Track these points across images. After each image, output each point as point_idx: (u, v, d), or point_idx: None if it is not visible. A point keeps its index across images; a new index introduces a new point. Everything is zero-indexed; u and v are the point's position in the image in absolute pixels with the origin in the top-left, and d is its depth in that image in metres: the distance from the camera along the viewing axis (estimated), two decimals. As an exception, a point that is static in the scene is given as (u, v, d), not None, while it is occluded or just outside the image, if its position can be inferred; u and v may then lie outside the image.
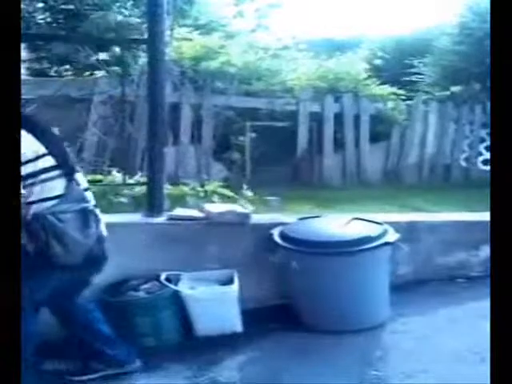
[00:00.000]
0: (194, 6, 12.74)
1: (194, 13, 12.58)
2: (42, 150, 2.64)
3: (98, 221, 2.78)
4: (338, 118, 10.66)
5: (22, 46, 11.54)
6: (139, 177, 5.14)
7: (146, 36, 4.05)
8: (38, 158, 2.61)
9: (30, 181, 2.57)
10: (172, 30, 9.94)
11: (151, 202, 4.09)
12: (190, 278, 3.74)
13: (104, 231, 2.89)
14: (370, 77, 11.38)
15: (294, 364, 3.28)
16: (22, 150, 2.51)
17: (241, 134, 10.14)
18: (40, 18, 12.23)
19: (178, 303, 3.56)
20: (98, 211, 2.85)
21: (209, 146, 9.80)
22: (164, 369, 3.27)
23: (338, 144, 10.70)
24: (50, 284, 2.73)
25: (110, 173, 6.12)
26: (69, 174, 2.70)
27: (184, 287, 3.62)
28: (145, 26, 10.75)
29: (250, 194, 5.43)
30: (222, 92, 9.76)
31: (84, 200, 2.74)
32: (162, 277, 3.62)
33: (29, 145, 2.59)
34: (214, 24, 12.93)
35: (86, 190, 2.84)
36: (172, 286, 3.57)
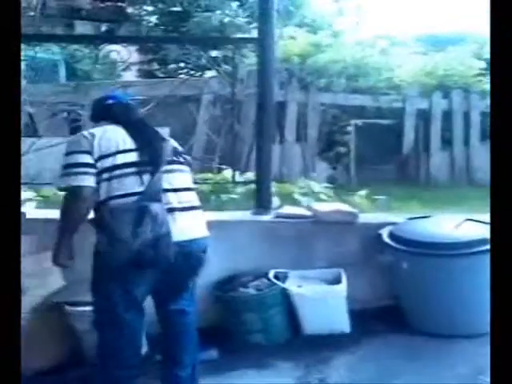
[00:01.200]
0: (299, 6, 12.78)
1: (299, 12, 12.61)
2: (127, 145, 2.69)
3: (164, 223, 2.60)
4: (447, 115, 10.33)
5: (133, 48, 12.06)
6: (248, 175, 5.22)
7: (254, 35, 4.11)
8: (118, 152, 2.64)
9: (105, 175, 2.61)
10: (280, 29, 10.05)
11: (259, 200, 4.14)
12: (298, 276, 3.74)
13: (171, 235, 2.63)
14: (481, 72, 10.92)
15: (402, 366, 3.23)
16: (107, 144, 2.65)
17: (346, 131, 10.06)
18: (150, 20, 12.72)
19: (286, 301, 3.59)
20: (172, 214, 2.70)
21: (314, 144, 9.80)
22: (272, 366, 3.31)
23: (446, 142, 10.36)
24: (128, 282, 2.68)
25: (219, 171, 6.28)
26: (150, 172, 2.66)
27: (292, 285, 3.63)
28: (251, 26, 10.95)
29: (356, 192, 5.39)
30: (328, 89, 9.72)
31: (155, 199, 2.63)
32: (271, 274, 3.66)
33: (115, 139, 2.68)
34: (319, 22, 12.90)
35: (166, 190, 2.71)
36: (280, 284, 3.59)
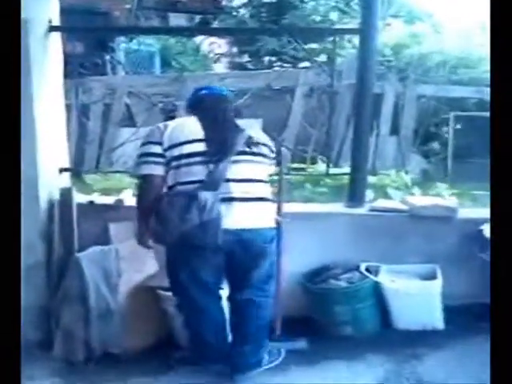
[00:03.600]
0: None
1: (398, 2, 12.31)
2: (197, 135, 2.84)
3: (213, 210, 2.69)
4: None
5: (225, 40, 12.20)
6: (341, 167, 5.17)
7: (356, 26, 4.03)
8: (186, 142, 2.81)
9: (174, 163, 2.81)
10: (383, 19, 9.86)
11: (353, 192, 4.07)
12: (390, 271, 3.68)
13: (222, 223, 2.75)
14: None
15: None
16: (177, 135, 2.83)
17: (445, 124, 9.72)
18: (244, 12, 12.81)
19: (379, 295, 3.55)
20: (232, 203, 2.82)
21: (410, 137, 9.53)
22: (362, 359, 3.27)
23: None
24: (192, 267, 2.88)
25: (313, 162, 6.25)
26: (214, 162, 2.79)
27: (384, 279, 3.58)
28: (348, 17, 10.79)
29: (453, 187, 5.20)
30: (427, 81, 9.43)
31: (212, 188, 2.74)
32: (362, 267, 3.60)
33: (187, 129, 2.87)
34: (418, 12, 12.53)
35: (228, 180, 2.80)
36: (373, 277, 3.54)
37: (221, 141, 2.85)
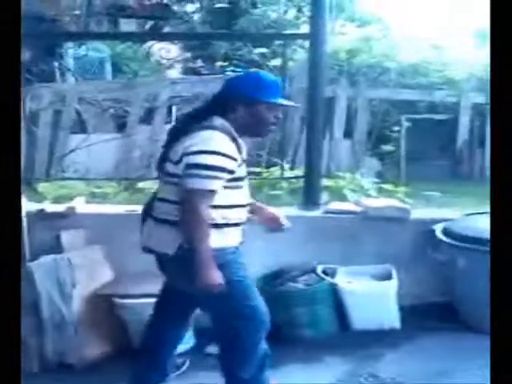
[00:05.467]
0: (352, 1, 12.65)
1: (350, 6, 12.48)
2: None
3: None
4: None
5: (178, 46, 12.13)
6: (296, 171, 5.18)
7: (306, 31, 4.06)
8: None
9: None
10: (332, 23, 9.94)
11: (308, 196, 4.10)
12: (347, 272, 3.70)
13: None
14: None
15: (452, 363, 3.16)
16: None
17: (397, 127, 9.87)
18: (196, 17, 12.78)
19: (336, 296, 3.55)
20: None
21: (363, 140, 9.65)
22: (320, 361, 3.28)
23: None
24: None
25: (268, 166, 6.25)
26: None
27: (341, 281, 3.59)
28: (300, 21, 10.87)
29: (406, 188, 5.27)
30: (379, 85, 9.56)
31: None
32: (319, 269, 3.61)
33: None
34: (369, 17, 12.73)
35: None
36: (329, 279, 3.56)
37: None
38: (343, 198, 4.61)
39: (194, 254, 2.32)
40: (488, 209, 3.99)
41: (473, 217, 3.86)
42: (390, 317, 3.59)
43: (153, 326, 2.81)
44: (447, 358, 3.22)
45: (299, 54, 8.96)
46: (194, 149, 2.34)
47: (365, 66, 9.60)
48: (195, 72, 11.70)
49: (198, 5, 12.85)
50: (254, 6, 12.00)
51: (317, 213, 3.98)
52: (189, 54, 12.39)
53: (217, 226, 2.42)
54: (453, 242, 3.53)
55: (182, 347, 3.35)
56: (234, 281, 2.46)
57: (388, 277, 3.62)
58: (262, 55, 9.23)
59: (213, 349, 3.38)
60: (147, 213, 2.62)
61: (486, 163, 9.97)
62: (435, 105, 9.88)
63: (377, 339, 3.45)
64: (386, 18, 12.96)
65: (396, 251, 3.76)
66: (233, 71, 9.52)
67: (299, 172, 5.09)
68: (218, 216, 2.42)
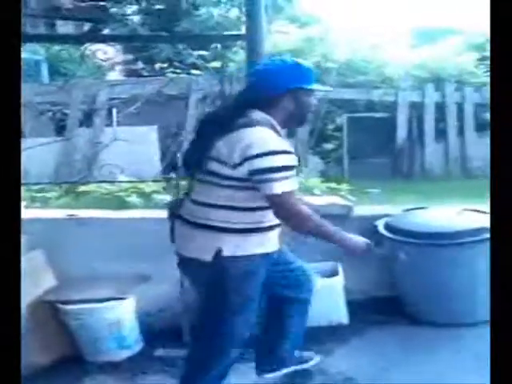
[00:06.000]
0: (290, 0, 12.72)
1: (289, 7, 12.56)
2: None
3: None
4: (440, 108, 10.28)
5: (118, 48, 11.97)
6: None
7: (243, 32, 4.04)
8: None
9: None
10: (270, 24, 9.96)
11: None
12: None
13: None
14: (476, 64, 10.90)
15: (401, 356, 3.21)
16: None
17: (338, 126, 10.02)
18: (134, 19, 12.63)
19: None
20: None
21: (306, 139, 9.74)
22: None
23: (440, 133, 10.31)
24: None
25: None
26: None
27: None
28: (242, 22, 10.88)
29: (349, 186, 5.34)
30: (320, 84, 9.66)
31: None
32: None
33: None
34: (310, 18, 12.85)
35: None
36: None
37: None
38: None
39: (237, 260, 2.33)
40: (426, 204, 4.15)
41: (412, 212, 3.95)
42: (338, 313, 3.63)
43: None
44: (396, 352, 3.27)
45: (241, 55, 8.96)
46: (258, 151, 2.22)
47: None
48: (136, 74, 11.57)
49: (136, 7, 12.70)
50: (196, 7, 11.94)
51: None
52: (130, 56, 12.24)
53: (259, 229, 2.40)
54: (394, 237, 3.60)
55: (128, 352, 3.32)
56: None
57: (334, 273, 3.65)
58: (202, 57, 9.19)
59: (161, 352, 3.35)
60: (174, 213, 2.52)
61: (425, 160, 10.23)
62: (374, 103, 10.07)
63: (325, 335, 3.47)
64: (326, 18, 13.14)
65: (341, 248, 3.79)
66: (173, 72, 9.47)
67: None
68: (259, 218, 2.39)
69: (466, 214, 3.77)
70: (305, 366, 3.00)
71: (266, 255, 2.45)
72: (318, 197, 4.51)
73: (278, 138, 2.33)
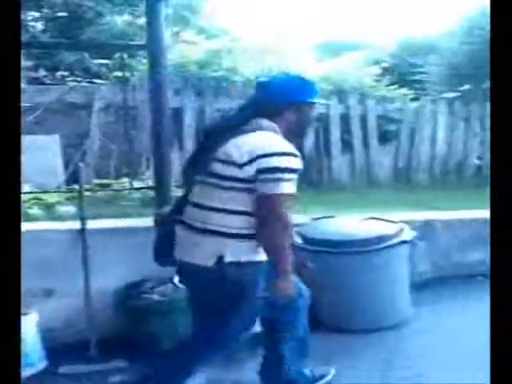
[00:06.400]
0: (196, 12, 12.70)
1: (196, 18, 12.55)
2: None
3: None
4: (344, 120, 10.55)
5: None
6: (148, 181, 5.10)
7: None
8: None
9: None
10: (173, 34, 9.94)
11: (159, 206, 4.03)
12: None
13: None
14: (377, 78, 11.30)
15: (313, 363, 3.17)
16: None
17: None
18: (36, 26, 12.23)
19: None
20: None
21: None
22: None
23: (346, 145, 10.58)
24: None
25: (117, 177, 6.08)
26: None
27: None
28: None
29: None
30: (226, 95, 9.69)
31: None
32: (176, 279, 3.53)
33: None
34: (218, 30, 12.89)
35: None
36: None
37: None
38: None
39: (239, 267, 2.31)
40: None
41: (320, 221, 4.03)
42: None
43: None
44: (313, 359, 3.23)
45: (144, 64, 8.87)
46: (266, 151, 2.28)
47: (213, 76, 9.69)
48: (39, 81, 11.17)
49: (38, 13, 12.27)
50: (100, 15, 11.69)
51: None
52: (30, 63, 11.79)
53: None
54: (302, 246, 3.65)
55: (31, 369, 3.16)
56: None
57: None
58: (105, 66, 9.03)
59: (66, 369, 3.21)
60: (174, 218, 2.51)
61: (331, 171, 10.44)
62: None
63: (240, 344, 3.41)
64: (234, 31, 13.23)
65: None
66: (75, 81, 9.25)
67: (149, 183, 5.02)
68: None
69: (371, 222, 3.89)
70: (321, 382, 2.99)
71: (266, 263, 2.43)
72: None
73: (283, 141, 2.40)
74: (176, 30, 10.89)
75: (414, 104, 11.00)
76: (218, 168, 2.35)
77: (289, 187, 2.30)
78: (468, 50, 12.15)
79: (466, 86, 11.39)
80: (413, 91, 11.27)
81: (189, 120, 9.38)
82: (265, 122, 2.43)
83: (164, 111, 3.94)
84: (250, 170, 2.29)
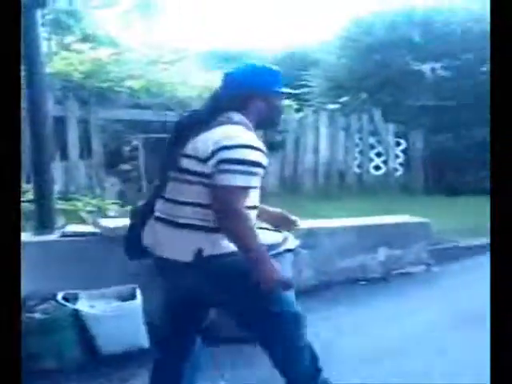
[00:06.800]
0: (80, 20, 12.35)
1: (81, 26, 12.20)
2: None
3: None
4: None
5: None
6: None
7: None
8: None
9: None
10: (59, 42, 9.62)
11: (41, 219, 3.92)
12: (89, 296, 3.60)
13: None
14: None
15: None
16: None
17: (132, 147, 9.93)
18: None
19: (78, 322, 3.41)
20: None
21: (100, 160, 9.50)
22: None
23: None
24: None
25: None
26: None
27: (83, 305, 3.48)
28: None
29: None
30: (110, 105, 9.52)
31: None
32: (59, 296, 3.45)
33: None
34: (104, 37, 12.61)
35: None
36: (70, 305, 3.41)
37: None
38: (83, 220, 4.49)
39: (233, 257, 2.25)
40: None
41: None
42: (139, 336, 3.55)
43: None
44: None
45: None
46: (228, 143, 2.21)
47: (98, 86, 9.49)
48: None
49: None
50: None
51: (52, 237, 3.83)
52: None
53: None
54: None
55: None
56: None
57: (132, 297, 3.60)
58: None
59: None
60: (146, 214, 2.42)
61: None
62: (169, 124, 10.16)
63: (128, 360, 3.41)
64: (122, 40, 13.01)
65: (138, 270, 3.74)
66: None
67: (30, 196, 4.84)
68: None
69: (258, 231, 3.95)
70: None
71: None
72: (112, 219, 4.41)
73: (252, 135, 2.35)
74: (59, 38, 10.56)
75: (299, 115, 11.34)
76: (187, 163, 2.31)
77: (247, 180, 2.23)
78: (345, 64, 12.70)
79: (345, 98, 11.91)
80: (296, 102, 11.60)
81: (72, 129, 9.14)
82: (235, 116, 2.38)
83: (43, 120, 3.85)
84: (212, 163, 2.24)
